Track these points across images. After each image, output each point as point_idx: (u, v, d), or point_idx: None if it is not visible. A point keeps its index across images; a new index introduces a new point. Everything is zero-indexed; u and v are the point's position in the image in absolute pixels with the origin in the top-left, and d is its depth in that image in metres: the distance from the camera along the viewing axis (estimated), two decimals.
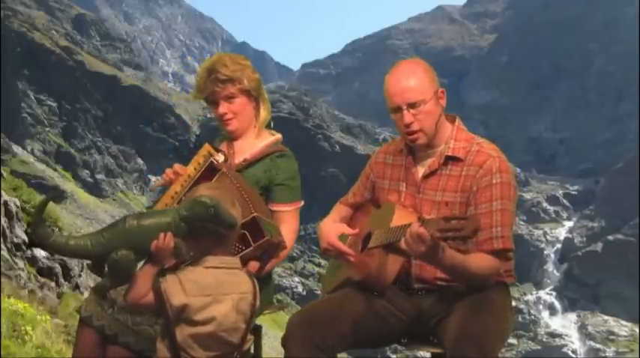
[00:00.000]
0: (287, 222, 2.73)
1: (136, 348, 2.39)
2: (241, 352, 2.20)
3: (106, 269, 2.17)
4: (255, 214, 2.48)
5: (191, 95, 2.91)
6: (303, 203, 2.81)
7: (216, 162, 2.65)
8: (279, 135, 2.90)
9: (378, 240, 2.43)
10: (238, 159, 2.79)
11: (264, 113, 2.86)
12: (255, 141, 2.83)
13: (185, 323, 2.10)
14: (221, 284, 2.14)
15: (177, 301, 2.07)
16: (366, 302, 2.46)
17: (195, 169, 2.68)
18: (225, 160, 2.75)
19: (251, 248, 2.48)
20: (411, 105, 2.45)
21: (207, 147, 2.73)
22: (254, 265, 2.54)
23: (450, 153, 2.48)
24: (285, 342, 2.37)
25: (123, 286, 2.24)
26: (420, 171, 2.54)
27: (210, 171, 2.64)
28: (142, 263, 2.21)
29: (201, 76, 2.77)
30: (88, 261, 2.21)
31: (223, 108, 2.76)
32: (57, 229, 10.03)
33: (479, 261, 2.33)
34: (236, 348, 2.17)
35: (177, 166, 2.76)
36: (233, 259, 2.24)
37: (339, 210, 2.83)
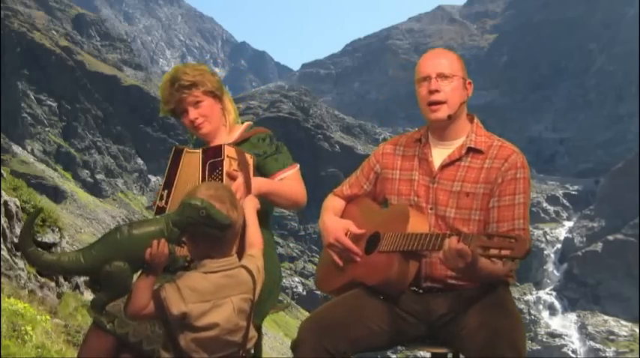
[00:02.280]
0: (291, 184, 2.77)
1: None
2: (246, 349, 2.19)
3: (101, 282, 2.12)
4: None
5: (160, 111, 2.94)
6: (298, 165, 2.84)
7: (179, 148, 2.72)
8: (246, 123, 2.97)
9: (393, 244, 2.38)
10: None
11: (232, 111, 2.92)
12: (228, 137, 2.85)
13: (187, 329, 2.08)
14: (220, 288, 2.11)
15: (177, 309, 2.05)
16: (376, 306, 2.44)
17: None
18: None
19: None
20: (440, 75, 2.48)
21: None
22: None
23: (472, 145, 2.50)
24: (295, 347, 2.35)
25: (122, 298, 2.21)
26: (437, 161, 2.53)
27: (176, 160, 2.70)
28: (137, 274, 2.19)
29: (165, 88, 2.82)
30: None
31: (193, 113, 2.79)
32: (57, 229, 10.01)
33: (504, 265, 2.30)
34: (240, 346, 2.16)
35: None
36: (231, 259, 2.19)
37: (334, 202, 2.78)
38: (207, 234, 2.10)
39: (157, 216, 2.21)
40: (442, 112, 2.48)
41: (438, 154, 2.54)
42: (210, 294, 2.09)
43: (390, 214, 2.54)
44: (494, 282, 2.41)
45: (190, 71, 2.79)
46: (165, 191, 2.68)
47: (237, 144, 2.78)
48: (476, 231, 2.21)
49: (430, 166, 2.53)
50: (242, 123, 2.96)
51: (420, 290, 2.48)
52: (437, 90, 2.47)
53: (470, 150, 2.49)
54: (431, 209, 2.48)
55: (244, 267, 2.23)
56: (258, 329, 2.58)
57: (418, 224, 2.38)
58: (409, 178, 2.57)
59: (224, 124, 2.87)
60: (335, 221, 2.67)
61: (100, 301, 2.18)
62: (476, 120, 2.59)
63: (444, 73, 2.48)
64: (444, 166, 2.50)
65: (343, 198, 2.78)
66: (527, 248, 2.00)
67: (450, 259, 2.16)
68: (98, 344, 2.39)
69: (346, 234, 2.60)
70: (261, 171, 2.75)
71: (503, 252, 2.03)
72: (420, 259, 2.40)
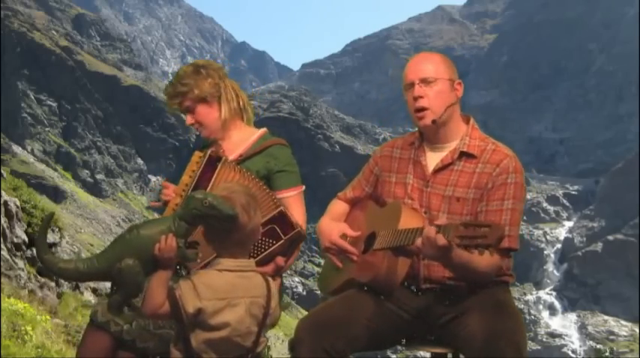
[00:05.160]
0: (295, 206, 2.71)
1: (155, 353, 2.37)
2: (254, 354, 2.17)
3: (114, 282, 2.16)
4: (281, 208, 2.49)
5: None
6: (304, 187, 2.81)
7: (215, 155, 2.65)
8: (263, 129, 2.92)
9: (385, 241, 2.39)
10: (233, 156, 2.79)
11: (230, 108, 2.81)
12: (241, 135, 2.83)
13: (200, 328, 2.07)
14: (234, 287, 2.11)
15: (192, 306, 2.04)
16: (374, 305, 2.44)
17: (190, 177, 2.66)
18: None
19: (282, 240, 2.50)
20: (423, 81, 2.47)
21: (197, 153, 2.73)
22: (281, 260, 2.55)
23: (465, 149, 2.47)
24: (293, 346, 2.35)
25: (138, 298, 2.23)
26: (431, 164, 2.52)
27: (211, 166, 2.63)
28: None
29: (165, 91, 2.89)
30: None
31: (188, 119, 2.82)
32: (57, 229, 10.01)
33: (484, 260, 2.29)
34: (249, 351, 2.15)
35: (169, 186, 2.76)
36: (247, 261, 2.20)
37: (337, 206, 2.79)
38: (217, 231, 2.10)
39: (164, 216, 2.24)
40: (426, 119, 2.47)
41: (432, 157, 2.54)
42: (225, 292, 2.08)
43: (385, 212, 2.55)
44: (491, 281, 2.40)
45: (182, 77, 2.77)
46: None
47: (252, 154, 2.75)
48: None
49: (424, 170, 2.52)
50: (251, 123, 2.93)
51: (419, 293, 2.47)
52: (420, 96, 2.47)
53: (463, 154, 2.47)
54: (425, 213, 2.47)
55: (260, 273, 2.22)
56: None
57: (409, 219, 2.38)
58: (403, 181, 2.57)
59: (231, 124, 2.82)
60: (329, 224, 2.67)
61: (115, 302, 2.21)
62: (472, 121, 2.56)
63: (426, 78, 2.47)
64: (437, 171, 2.49)
65: (346, 202, 2.78)
66: (499, 235, 2.00)
67: (426, 248, 2.17)
68: (96, 344, 2.38)
69: (343, 237, 2.60)
70: (268, 182, 2.73)
71: (477, 241, 2.03)
72: (411, 256, 2.39)
